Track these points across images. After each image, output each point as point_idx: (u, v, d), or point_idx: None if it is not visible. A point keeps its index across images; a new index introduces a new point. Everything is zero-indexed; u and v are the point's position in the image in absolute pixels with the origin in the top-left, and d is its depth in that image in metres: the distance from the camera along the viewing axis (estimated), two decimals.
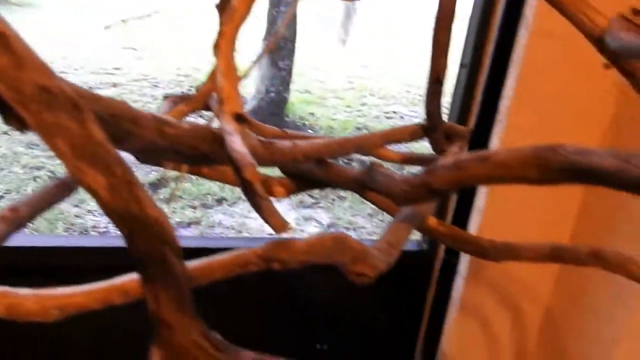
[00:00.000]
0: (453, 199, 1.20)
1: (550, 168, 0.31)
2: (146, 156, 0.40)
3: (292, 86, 5.50)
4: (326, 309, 1.33)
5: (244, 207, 3.67)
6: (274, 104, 4.84)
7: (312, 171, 0.50)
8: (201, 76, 6.07)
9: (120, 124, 0.26)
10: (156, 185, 3.73)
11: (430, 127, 0.62)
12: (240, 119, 0.32)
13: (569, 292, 1.26)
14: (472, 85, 1.13)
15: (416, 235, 1.39)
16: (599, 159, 0.28)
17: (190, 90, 5.80)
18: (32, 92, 0.18)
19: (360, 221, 3.92)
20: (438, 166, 0.36)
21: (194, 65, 6.57)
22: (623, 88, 1.04)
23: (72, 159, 0.19)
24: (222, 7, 0.55)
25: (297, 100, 5.52)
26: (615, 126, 1.09)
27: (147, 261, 0.21)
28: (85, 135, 0.20)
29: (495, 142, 1.09)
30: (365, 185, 0.44)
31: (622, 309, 1.08)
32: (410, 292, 1.32)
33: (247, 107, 5.00)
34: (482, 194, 1.17)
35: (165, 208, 2.66)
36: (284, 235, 0.34)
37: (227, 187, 3.92)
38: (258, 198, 0.32)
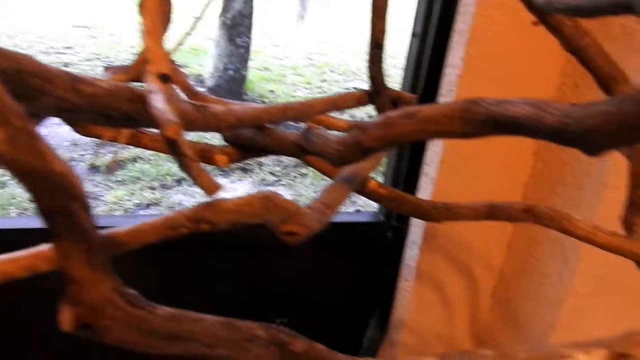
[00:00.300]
0: (405, 168, 1.21)
1: (473, 120, 0.31)
2: (67, 118, 0.39)
3: (251, 64, 5.43)
4: (284, 283, 1.33)
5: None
6: (233, 82, 4.78)
7: (252, 138, 0.50)
8: None
9: (26, 80, 0.25)
10: (111, 167, 3.65)
11: (375, 93, 0.62)
12: (165, 78, 0.32)
13: (519, 257, 1.30)
14: (423, 55, 1.14)
15: (373, 208, 1.40)
16: (515, 108, 0.29)
17: None
18: None
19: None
20: (369, 124, 0.37)
21: None
22: None
23: None
24: None
25: (256, 77, 5.47)
26: (568, 88, 1.11)
27: (54, 216, 0.21)
28: None
29: None
30: (302, 149, 0.44)
31: (566, 270, 1.12)
32: (367, 262, 1.34)
33: (206, 85, 4.92)
34: (435, 162, 1.18)
35: (123, 189, 2.62)
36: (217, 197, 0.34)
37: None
38: (185, 159, 0.32)
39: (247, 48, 4.77)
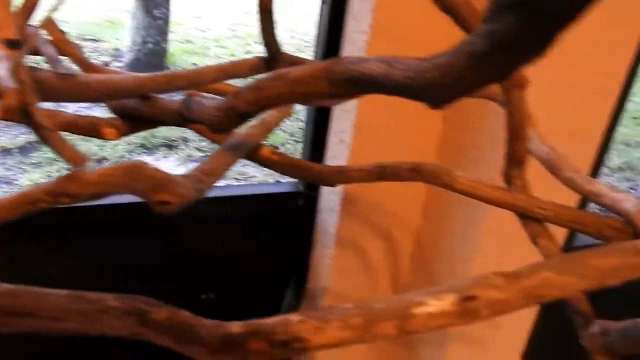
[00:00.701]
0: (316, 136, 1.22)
1: (336, 80, 0.31)
2: None
3: (172, 36, 5.25)
4: (207, 259, 1.32)
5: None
6: (153, 55, 4.61)
7: (137, 108, 0.48)
8: (70, 29, 5.62)
9: None
10: (26, 149, 3.46)
11: (272, 59, 0.61)
12: (14, 44, 0.30)
13: (434, 219, 1.35)
14: (332, 22, 1.14)
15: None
16: (371, 66, 0.29)
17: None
18: None
19: (250, 171, 3.90)
20: (242, 89, 0.36)
21: (60, 18, 6.06)
22: None
23: None
24: None
25: (178, 50, 5.29)
26: None
27: None
28: None
29: None
30: (184, 117, 0.43)
31: (476, 229, 1.17)
32: (285, 232, 1.34)
33: (124, 60, 4.72)
34: (349, 129, 1.20)
35: (37, 172, 2.49)
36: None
37: (108, 146, 3.72)
38: (43, 130, 0.30)
39: (166, 20, 4.59)
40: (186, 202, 0.34)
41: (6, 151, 3.44)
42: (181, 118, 0.44)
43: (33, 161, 3.38)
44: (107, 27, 5.96)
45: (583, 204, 1.23)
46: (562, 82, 1.07)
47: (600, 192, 0.50)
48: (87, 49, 5.09)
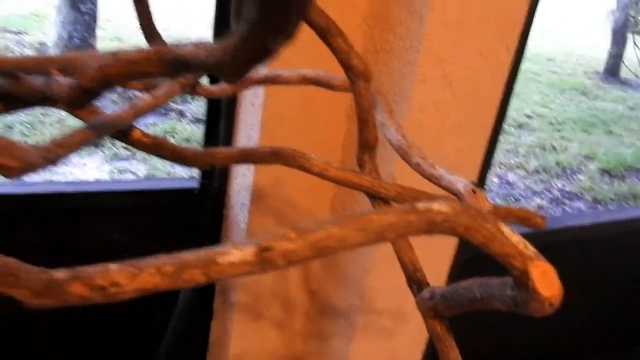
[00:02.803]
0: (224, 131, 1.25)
1: (163, 61, 0.35)
2: None
3: (102, 33, 5.13)
4: (112, 252, 1.32)
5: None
6: (79, 51, 4.48)
7: (3, 87, 0.50)
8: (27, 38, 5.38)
9: None
10: None
11: (148, 42, 0.64)
12: None
13: (341, 213, 1.41)
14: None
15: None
16: (185, 48, 0.33)
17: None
18: None
19: (179, 171, 3.87)
20: (87, 66, 0.40)
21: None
22: None
23: None
24: None
25: (108, 48, 5.18)
26: (370, 53, 1.21)
27: None
28: None
29: None
30: (46, 96, 0.46)
31: None
32: (193, 226, 1.37)
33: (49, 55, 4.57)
34: (256, 127, 1.24)
35: None
36: None
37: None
38: None
39: (93, 15, 4.49)
40: (30, 169, 0.38)
41: None
42: (42, 96, 0.46)
43: None
44: (33, 20, 5.74)
45: None
46: (452, 83, 1.16)
47: (440, 176, 0.57)
48: (11, 42, 4.90)
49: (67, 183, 1.47)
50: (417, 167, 0.59)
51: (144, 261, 0.32)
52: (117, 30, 5.78)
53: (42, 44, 5.14)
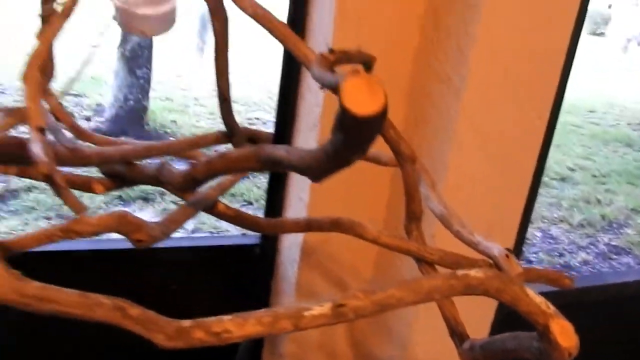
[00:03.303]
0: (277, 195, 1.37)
1: (260, 160, 0.47)
2: None
3: (153, 94, 5.44)
4: (173, 302, 1.43)
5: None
6: (133, 112, 4.78)
7: (121, 171, 0.63)
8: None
9: None
10: (5, 197, 3.55)
11: (230, 134, 0.77)
12: (41, 130, 0.45)
13: (384, 269, 1.49)
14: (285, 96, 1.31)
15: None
16: (277, 151, 0.45)
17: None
18: None
19: (223, 225, 4.02)
20: (199, 162, 0.51)
21: None
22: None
23: None
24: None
25: (158, 108, 5.48)
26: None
27: None
28: None
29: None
30: (158, 180, 0.58)
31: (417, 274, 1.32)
32: (249, 281, 1.47)
33: (105, 116, 4.88)
34: (306, 189, 1.35)
35: (15, 220, 2.58)
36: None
37: (86, 196, 3.81)
38: (58, 187, 0.45)
39: (147, 79, 4.80)
40: (155, 241, 0.49)
41: None
42: (155, 180, 0.58)
43: (11, 209, 3.46)
44: (91, 83, 6.12)
45: None
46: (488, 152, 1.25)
47: (478, 242, 0.66)
48: (71, 104, 5.25)
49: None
50: (457, 234, 0.69)
51: (248, 314, 0.43)
52: (168, 92, 6.12)
53: (99, 105, 5.48)
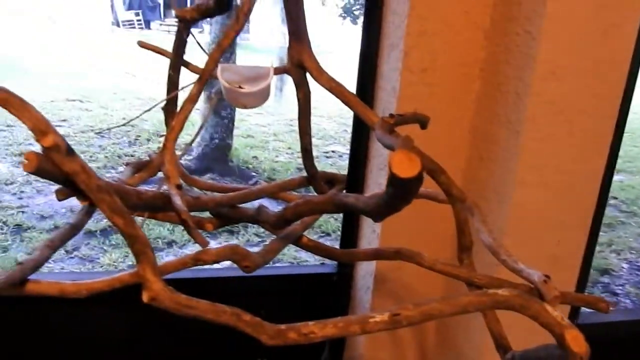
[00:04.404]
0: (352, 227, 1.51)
1: (336, 205, 0.62)
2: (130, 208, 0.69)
3: (236, 131, 5.80)
4: None
5: (193, 248, 3.91)
6: (219, 150, 5.14)
7: (227, 212, 0.81)
8: (147, 126, 6.31)
9: (127, 197, 0.55)
10: (107, 232, 3.93)
11: (311, 178, 0.93)
12: (179, 187, 0.62)
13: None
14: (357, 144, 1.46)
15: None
16: (347, 198, 0.60)
17: (137, 139, 6.01)
18: (94, 186, 0.47)
19: (303, 255, 4.20)
20: (290, 205, 0.68)
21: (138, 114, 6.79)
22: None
23: (109, 213, 0.49)
24: (167, 111, 0.86)
25: (241, 144, 5.83)
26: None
27: (140, 255, 0.50)
28: (114, 202, 0.50)
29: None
30: (256, 219, 0.74)
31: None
32: (327, 306, 1.62)
33: (193, 154, 5.27)
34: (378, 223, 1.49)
35: (116, 253, 2.89)
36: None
37: (177, 230, 4.13)
38: (191, 229, 0.63)
39: (231, 119, 5.15)
40: (258, 267, 0.65)
41: (90, 233, 3.91)
42: (254, 219, 0.75)
43: (112, 243, 3.83)
44: None
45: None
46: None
47: (521, 269, 0.78)
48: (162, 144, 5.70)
49: (223, 269, 1.81)
50: (503, 262, 0.80)
51: (327, 320, 0.57)
52: (249, 129, 6.50)
53: (186, 144, 5.89)
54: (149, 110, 0.86)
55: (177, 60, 0.79)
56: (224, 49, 0.66)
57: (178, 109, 0.74)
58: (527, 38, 1.27)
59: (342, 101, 0.75)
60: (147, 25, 16.96)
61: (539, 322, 0.57)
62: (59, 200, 0.62)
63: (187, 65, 0.83)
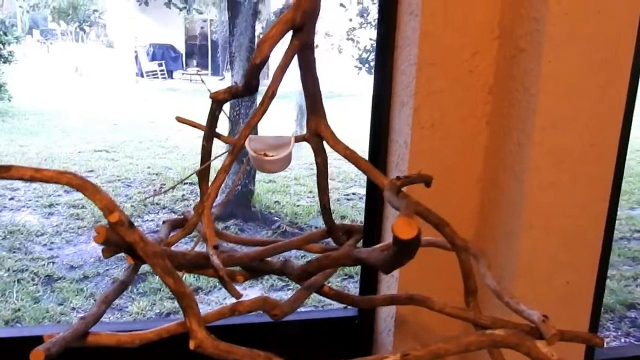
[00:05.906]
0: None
1: (351, 259, 0.72)
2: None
3: (257, 176, 5.95)
4: None
5: (219, 294, 4.00)
6: (242, 196, 5.29)
7: (257, 265, 0.91)
8: (171, 174, 6.52)
9: (175, 258, 0.65)
10: (135, 281, 4.04)
11: (330, 231, 1.03)
12: (215, 247, 0.73)
13: None
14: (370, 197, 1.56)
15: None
16: (361, 254, 0.70)
17: (162, 186, 6.20)
18: (150, 252, 0.58)
19: (325, 299, 4.24)
20: (313, 260, 0.78)
21: (163, 164, 7.02)
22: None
23: (162, 274, 0.59)
24: (201, 176, 0.97)
25: (263, 190, 5.98)
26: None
27: (186, 309, 0.60)
28: (165, 265, 0.60)
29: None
30: (283, 272, 0.84)
31: None
32: (350, 350, 1.69)
33: (217, 201, 5.41)
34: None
35: (144, 301, 3.00)
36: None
37: (202, 278, 4.24)
38: (227, 284, 0.73)
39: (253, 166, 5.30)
40: (285, 315, 0.75)
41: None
42: (281, 272, 0.85)
43: (140, 291, 3.94)
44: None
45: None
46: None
47: (523, 310, 0.86)
48: (187, 192, 5.88)
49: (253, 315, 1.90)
50: (507, 304, 0.89)
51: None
52: (271, 174, 6.65)
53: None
54: (185, 179, 0.97)
55: (210, 133, 0.91)
56: (252, 127, 0.77)
57: (211, 177, 0.86)
58: (526, 94, 1.37)
59: (356, 166, 0.86)
60: (170, 75, 17.55)
61: (532, 358, 0.65)
62: (105, 257, 0.73)
63: (219, 136, 0.95)
